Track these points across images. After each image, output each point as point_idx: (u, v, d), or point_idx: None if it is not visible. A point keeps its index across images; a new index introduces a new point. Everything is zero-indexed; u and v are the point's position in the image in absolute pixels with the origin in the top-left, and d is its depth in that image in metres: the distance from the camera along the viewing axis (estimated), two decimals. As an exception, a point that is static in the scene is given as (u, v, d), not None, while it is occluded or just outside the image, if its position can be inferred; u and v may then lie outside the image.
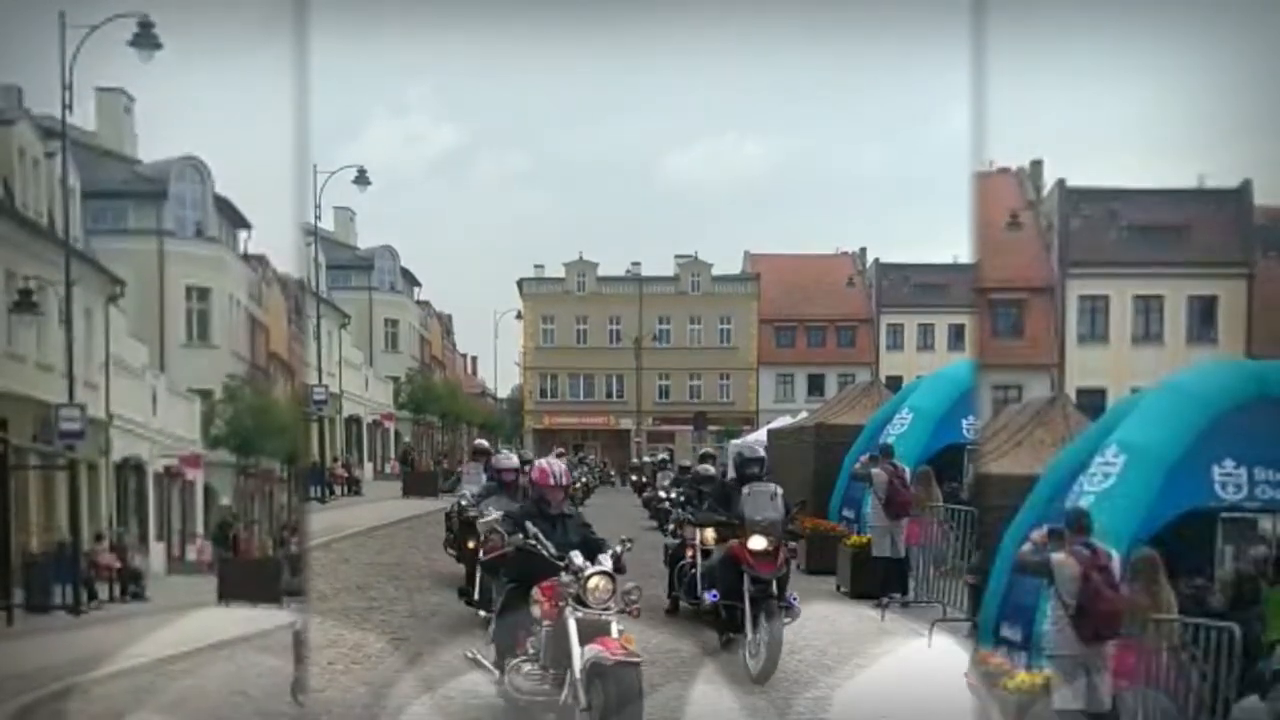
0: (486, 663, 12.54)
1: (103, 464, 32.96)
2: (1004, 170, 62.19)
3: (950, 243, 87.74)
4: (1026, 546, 12.86)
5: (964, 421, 23.89)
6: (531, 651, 11.75)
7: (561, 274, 67.36)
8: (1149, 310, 54.14)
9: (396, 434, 58.86)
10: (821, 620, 18.08)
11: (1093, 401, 38.23)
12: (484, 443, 27.27)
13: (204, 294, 38.08)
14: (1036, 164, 59.22)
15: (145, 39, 30.93)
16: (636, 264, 68.00)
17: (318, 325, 48.75)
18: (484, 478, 20.54)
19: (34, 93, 31.61)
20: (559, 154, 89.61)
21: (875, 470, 21.82)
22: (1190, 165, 71.52)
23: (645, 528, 32.66)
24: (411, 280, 61.30)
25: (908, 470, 22.35)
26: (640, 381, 67.11)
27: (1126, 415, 15.20)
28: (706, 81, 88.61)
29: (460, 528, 20.21)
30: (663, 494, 32.64)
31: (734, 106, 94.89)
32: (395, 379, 58.95)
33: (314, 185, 44.70)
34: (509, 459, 19.80)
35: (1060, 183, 55.00)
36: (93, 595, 28.83)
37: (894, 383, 39.35)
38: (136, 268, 35.56)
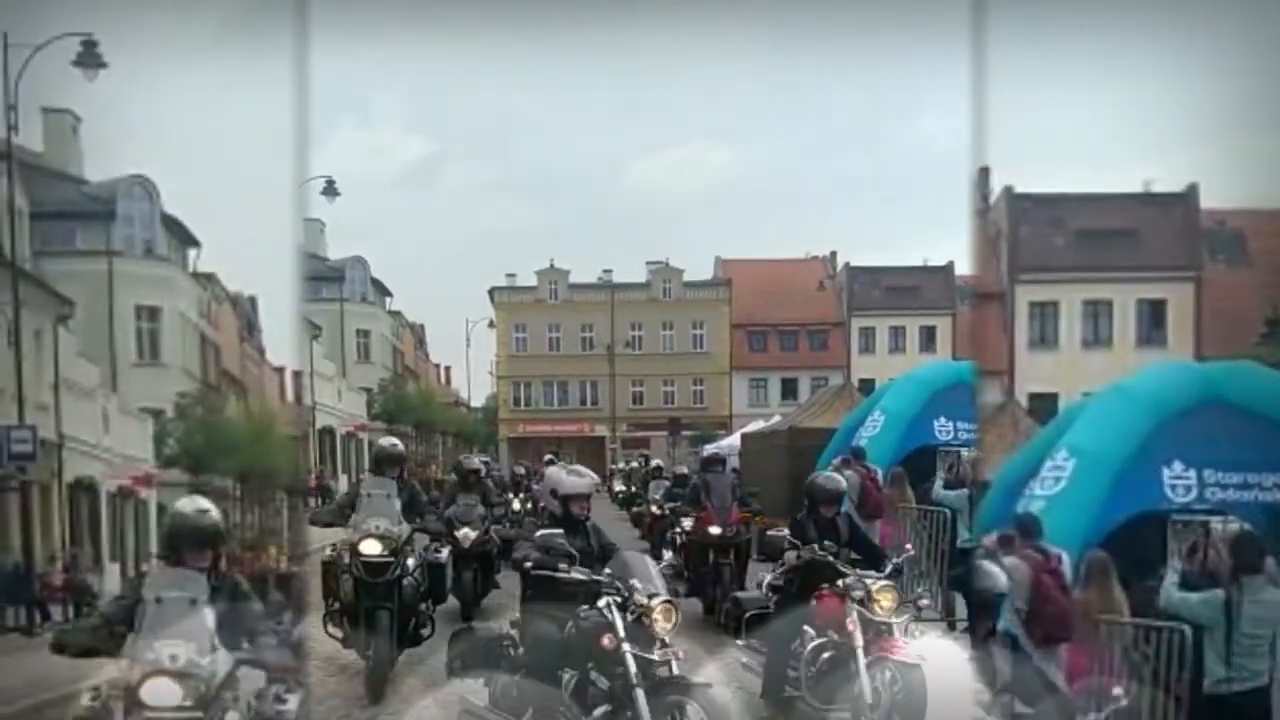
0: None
1: (55, 485, 32.79)
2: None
3: (920, 245, 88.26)
4: (978, 551, 12.97)
5: (935, 423, 23.95)
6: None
7: (533, 282, 67.45)
8: (1098, 315, 54.46)
9: (370, 445, 58.46)
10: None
11: (1045, 407, 38.39)
12: (396, 444, 16.87)
13: (154, 313, 37.96)
14: (984, 171, 59.56)
15: (89, 58, 30.77)
16: (608, 271, 68.47)
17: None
18: (397, 502, 15.01)
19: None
20: (529, 162, 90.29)
21: (848, 473, 21.92)
22: (1137, 170, 72.26)
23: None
24: (383, 290, 61.28)
25: (880, 472, 22.46)
26: (614, 388, 67.41)
27: (1076, 419, 15.30)
28: (676, 89, 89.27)
29: (361, 590, 14.39)
30: (656, 509, 26.86)
31: (703, 113, 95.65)
32: (368, 390, 58.97)
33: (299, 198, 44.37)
34: (573, 478, 12.05)
35: (1008, 189, 55.22)
36: (46, 617, 28.66)
37: (866, 385, 39.49)
38: (86, 288, 35.44)
